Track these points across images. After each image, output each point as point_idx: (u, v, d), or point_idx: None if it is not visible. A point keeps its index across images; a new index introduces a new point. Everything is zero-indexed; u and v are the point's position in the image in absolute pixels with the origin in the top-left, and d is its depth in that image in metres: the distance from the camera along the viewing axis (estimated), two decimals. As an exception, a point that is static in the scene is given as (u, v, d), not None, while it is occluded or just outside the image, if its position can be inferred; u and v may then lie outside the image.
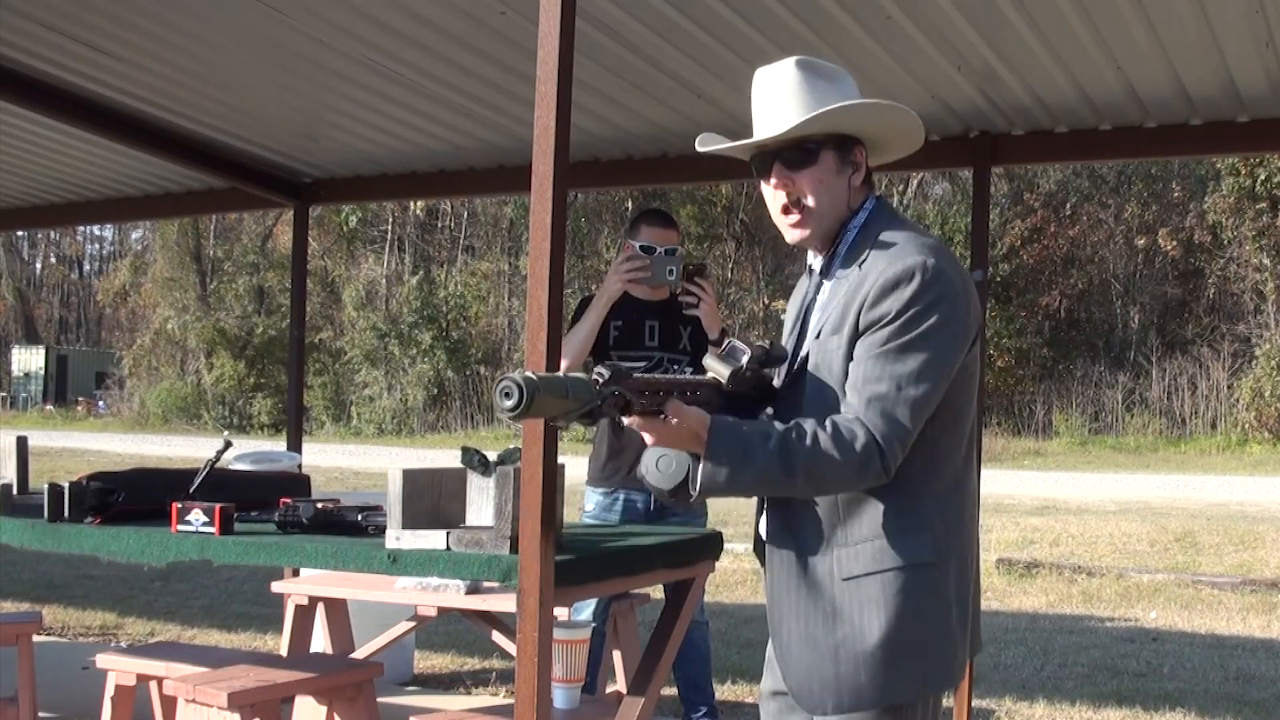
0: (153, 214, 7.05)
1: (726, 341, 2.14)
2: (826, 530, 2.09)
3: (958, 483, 2.12)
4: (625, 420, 2.00)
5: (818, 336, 2.14)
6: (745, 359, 2.08)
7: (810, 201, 2.15)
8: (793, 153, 2.14)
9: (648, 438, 2.02)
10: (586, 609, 4.24)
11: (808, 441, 1.97)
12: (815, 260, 2.25)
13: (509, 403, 1.81)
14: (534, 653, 2.50)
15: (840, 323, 2.09)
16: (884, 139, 2.23)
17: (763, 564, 2.27)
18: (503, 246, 31.10)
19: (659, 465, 2.06)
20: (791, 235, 2.20)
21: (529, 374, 1.83)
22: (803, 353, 2.17)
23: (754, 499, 2.23)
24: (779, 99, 2.15)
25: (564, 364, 3.79)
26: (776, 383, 2.21)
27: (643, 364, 4.23)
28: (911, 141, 2.25)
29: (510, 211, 29.60)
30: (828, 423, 2.00)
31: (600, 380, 1.89)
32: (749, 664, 6.10)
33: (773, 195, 2.19)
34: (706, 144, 2.27)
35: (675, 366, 4.28)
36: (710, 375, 2.10)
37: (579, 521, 4.29)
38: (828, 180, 2.15)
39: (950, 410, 2.09)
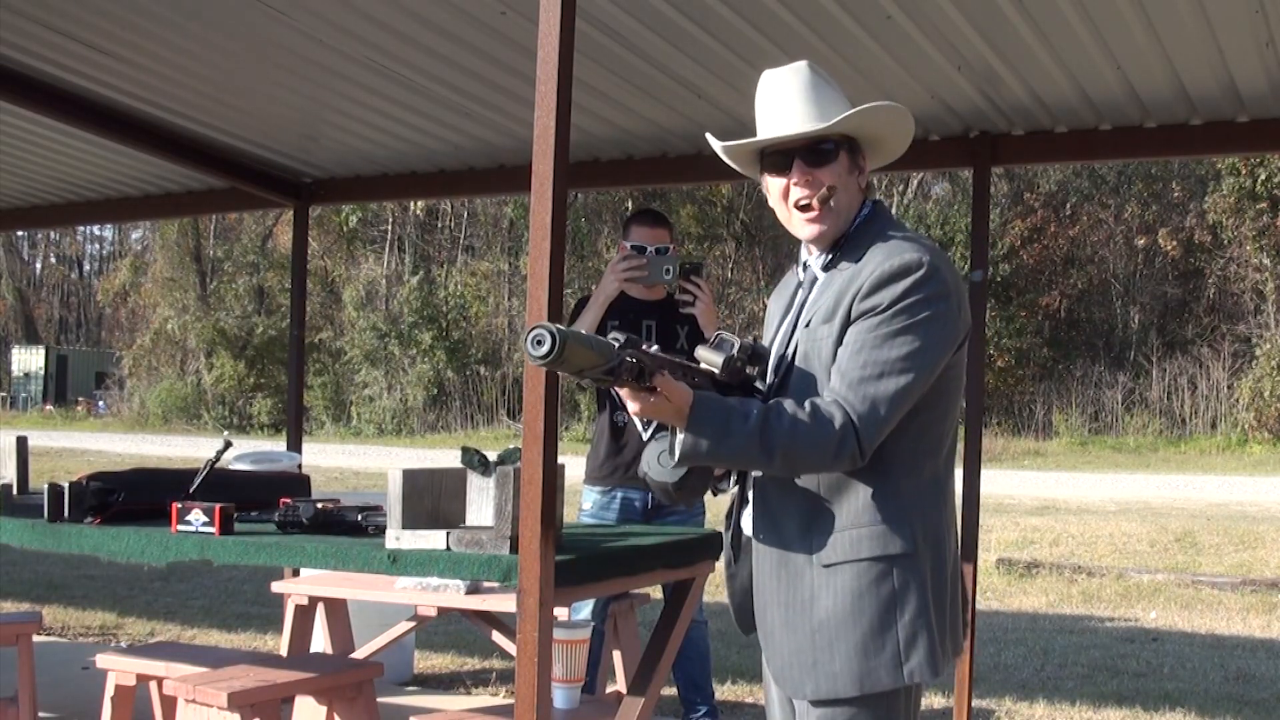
0: (153, 214, 7.04)
1: (715, 334, 2.18)
2: (808, 518, 2.14)
3: (937, 480, 2.17)
4: (624, 397, 2.02)
5: (808, 326, 2.18)
6: (735, 348, 2.14)
7: (832, 197, 2.19)
8: (812, 152, 2.18)
9: (633, 406, 2.03)
10: (585, 608, 4.24)
11: (786, 422, 2.02)
12: (812, 257, 2.28)
13: (542, 349, 1.82)
14: (534, 653, 2.50)
15: (832, 312, 2.13)
16: (884, 145, 2.28)
17: (734, 556, 2.33)
18: (503, 246, 31.09)
19: (660, 460, 2.08)
20: (807, 230, 2.22)
21: (558, 325, 1.85)
22: (792, 344, 2.20)
23: (736, 496, 2.30)
24: (796, 99, 2.20)
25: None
26: (762, 383, 2.24)
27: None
28: (900, 147, 2.31)
29: (510, 211, 29.59)
30: (807, 404, 2.05)
31: (617, 344, 1.93)
32: (749, 664, 6.10)
33: (786, 190, 2.21)
34: (720, 144, 2.28)
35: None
36: (704, 365, 2.14)
37: (577, 520, 4.29)
38: (844, 179, 2.21)
39: (934, 408, 2.13)
